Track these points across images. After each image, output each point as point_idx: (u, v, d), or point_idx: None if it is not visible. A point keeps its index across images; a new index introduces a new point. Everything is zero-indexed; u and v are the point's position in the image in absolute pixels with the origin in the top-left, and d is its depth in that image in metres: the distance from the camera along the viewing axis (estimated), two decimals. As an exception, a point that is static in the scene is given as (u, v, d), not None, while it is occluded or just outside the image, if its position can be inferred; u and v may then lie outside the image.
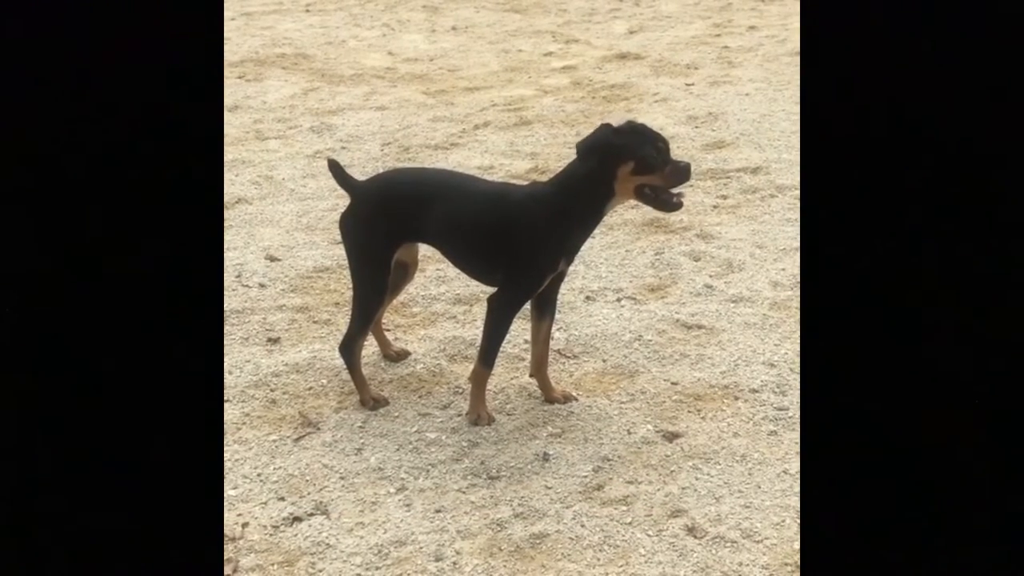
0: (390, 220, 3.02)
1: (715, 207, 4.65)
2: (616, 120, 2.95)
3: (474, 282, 3.42)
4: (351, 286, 3.13)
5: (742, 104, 6.10)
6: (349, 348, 3.14)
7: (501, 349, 3.10)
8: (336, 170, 3.12)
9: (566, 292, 3.79)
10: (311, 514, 2.69)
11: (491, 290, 3.04)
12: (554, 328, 3.31)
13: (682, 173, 2.86)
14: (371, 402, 3.15)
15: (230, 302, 3.84)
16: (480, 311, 3.69)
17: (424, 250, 3.27)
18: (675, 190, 2.88)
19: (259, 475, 2.86)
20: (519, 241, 2.90)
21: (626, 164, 2.82)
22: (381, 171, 4.79)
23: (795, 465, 2.82)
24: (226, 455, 2.94)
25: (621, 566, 2.48)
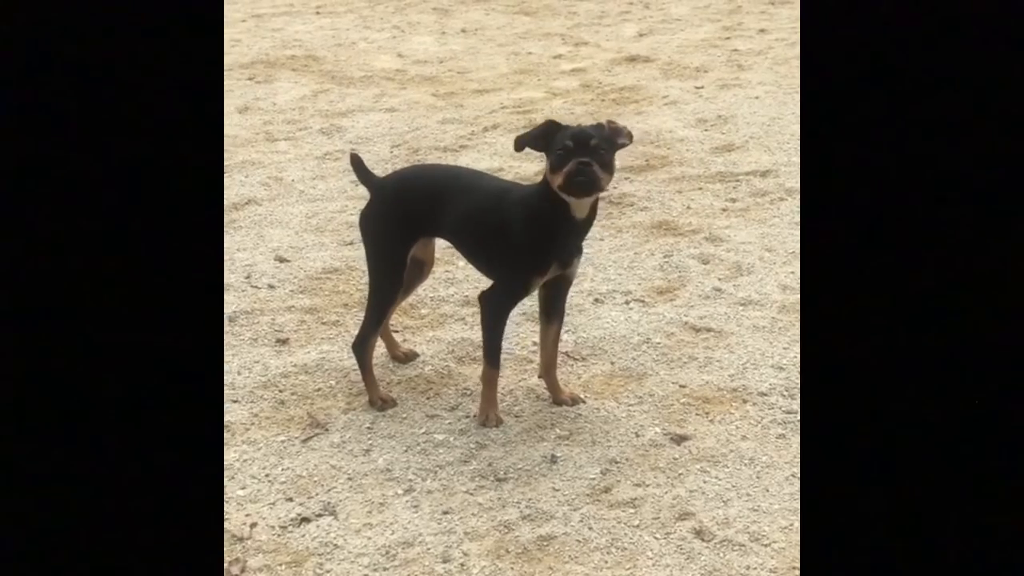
0: (407, 214, 3.04)
1: (724, 210, 4.65)
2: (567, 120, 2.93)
3: (484, 284, 3.43)
4: (367, 283, 3.14)
5: (752, 107, 6.10)
6: (362, 346, 3.15)
7: (509, 351, 3.11)
8: (357, 165, 3.15)
9: (575, 294, 3.79)
10: (319, 515, 2.69)
11: None
12: (562, 330, 3.30)
13: (570, 178, 2.75)
14: (379, 402, 3.16)
15: (239, 303, 3.85)
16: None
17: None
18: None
19: (267, 475, 2.86)
20: (507, 241, 2.91)
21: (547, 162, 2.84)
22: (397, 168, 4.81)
23: (803, 469, 2.81)
24: (235, 455, 2.95)
25: (628, 569, 2.48)
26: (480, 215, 2.97)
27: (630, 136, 2.89)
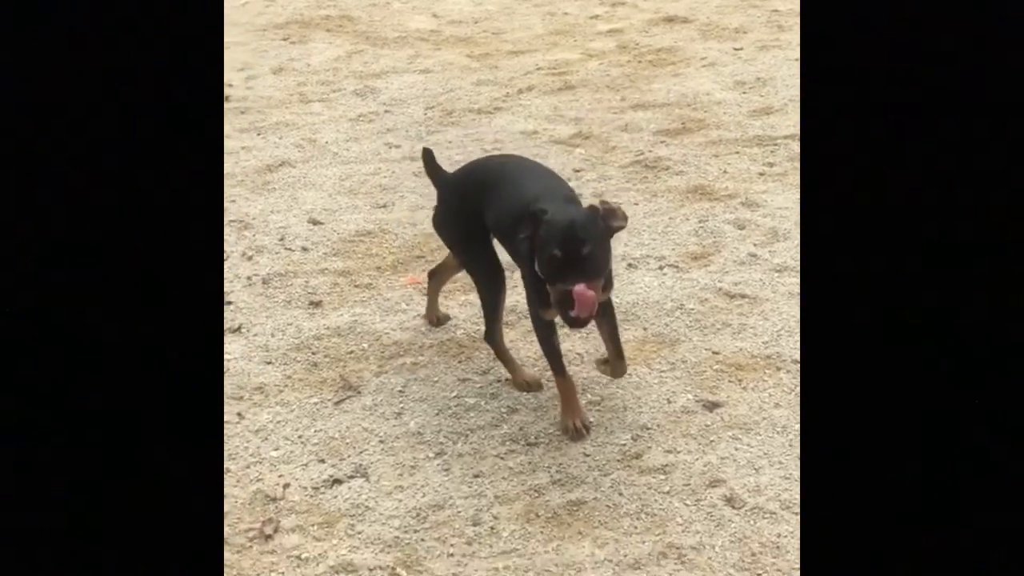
0: (469, 209, 2.99)
1: (761, 175, 4.59)
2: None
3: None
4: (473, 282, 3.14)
5: (791, 69, 5.99)
6: (490, 336, 3.10)
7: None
8: (429, 160, 3.15)
9: (608, 259, 3.77)
10: (351, 476, 2.72)
11: None
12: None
13: (561, 309, 2.56)
14: (524, 385, 3.07)
15: (273, 265, 3.87)
16: (520, 279, 3.68)
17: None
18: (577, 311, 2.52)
19: (300, 437, 2.89)
20: (521, 256, 2.84)
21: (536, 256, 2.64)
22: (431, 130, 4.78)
23: (837, 437, 2.79)
24: (268, 417, 2.98)
25: (658, 535, 2.48)
26: (505, 220, 2.87)
27: (625, 217, 2.68)
